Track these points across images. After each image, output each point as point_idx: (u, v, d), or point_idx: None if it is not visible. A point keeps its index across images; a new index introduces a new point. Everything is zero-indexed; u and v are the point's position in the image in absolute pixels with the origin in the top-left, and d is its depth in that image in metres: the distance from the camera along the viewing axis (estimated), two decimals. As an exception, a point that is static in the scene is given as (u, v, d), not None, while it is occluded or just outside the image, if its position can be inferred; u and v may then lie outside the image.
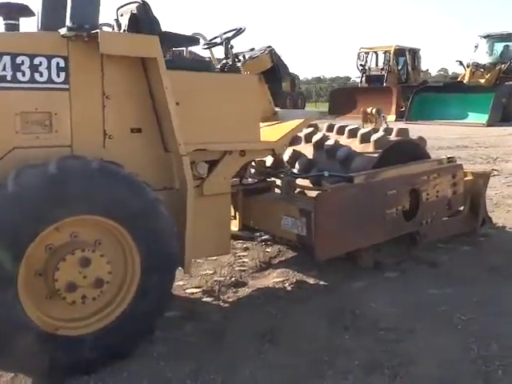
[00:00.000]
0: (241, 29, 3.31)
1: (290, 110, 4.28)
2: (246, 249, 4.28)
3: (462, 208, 4.20)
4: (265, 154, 3.31)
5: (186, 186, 2.77)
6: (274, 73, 3.45)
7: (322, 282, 3.58)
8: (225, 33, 3.31)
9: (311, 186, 3.44)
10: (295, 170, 3.75)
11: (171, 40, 2.94)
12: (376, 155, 3.47)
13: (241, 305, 3.26)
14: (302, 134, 3.96)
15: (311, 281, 3.61)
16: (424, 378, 2.44)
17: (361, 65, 20.62)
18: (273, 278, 3.67)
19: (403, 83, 20.22)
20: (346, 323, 2.96)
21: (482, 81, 18.07)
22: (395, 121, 17.93)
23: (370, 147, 3.53)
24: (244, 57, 3.41)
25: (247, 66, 3.40)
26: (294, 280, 3.62)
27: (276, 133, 3.34)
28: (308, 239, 3.13)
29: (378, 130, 3.82)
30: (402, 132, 3.70)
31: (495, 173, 7.61)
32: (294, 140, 3.96)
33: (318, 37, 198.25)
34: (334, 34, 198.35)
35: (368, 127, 4.49)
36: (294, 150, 3.87)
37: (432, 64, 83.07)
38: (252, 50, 3.55)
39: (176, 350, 2.72)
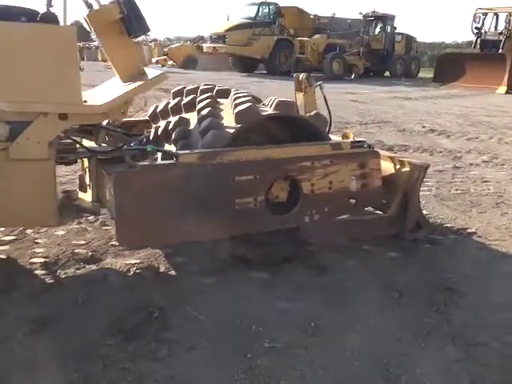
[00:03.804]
0: None
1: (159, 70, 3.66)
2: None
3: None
4: (95, 118, 2.87)
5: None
6: (127, 25, 2.93)
7: (172, 272, 3.12)
8: None
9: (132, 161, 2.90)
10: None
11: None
12: (231, 131, 2.85)
13: (58, 286, 2.92)
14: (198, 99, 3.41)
15: (163, 268, 3.16)
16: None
17: (476, 28, 18.07)
18: (133, 259, 3.28)
19: (529, 50, 17.41)
20: (120, 326, 2.50)
21: None
22: (506, 93, 15.67)
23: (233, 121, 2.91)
24: (91, 6, 2.95)
25: (92, 16, 2.93)
26: (148, 264, 3.19)
27: (114, 95, 2.88)
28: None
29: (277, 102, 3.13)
30: (284, 106, 2.98)
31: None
32: (191, 106, 3.44)
33: None
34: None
35: (299, 97, 3.78)
36: (180, 117, 3.35)
37: None
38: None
39: None
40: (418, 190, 3.34)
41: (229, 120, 3.01)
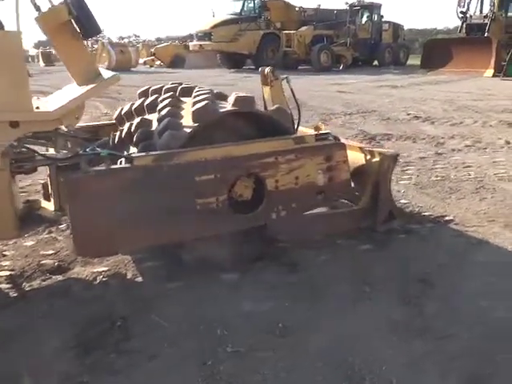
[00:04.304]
0: None
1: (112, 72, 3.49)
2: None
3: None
4: (47, 125, 2.78)
5: None
6: (77, 27, 2.85)
7: (139, 279, 3.04)
8: None
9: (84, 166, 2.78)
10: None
11: None
12: (188, 130, 2.76)
13: (21, 299, 2.83)
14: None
15: (130, 275, 3.08)
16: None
17: (461, 12, 17.93)
18: (101, 267, 3.20)
19: (514, 32, 17.31)
20: (81, 338, 2.42)
21: None
22: (493, 76, 15.59)
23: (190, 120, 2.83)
24: (40, 8, 2.85)
25: (41, 19, 2.84)
26: (116, 272, 3.12)
27: (66, 100, 2.79)
28: (73, 231, 2.61)
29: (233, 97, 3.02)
30: (243, 101, 2.89)
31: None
32: (154, 107, 3.35)
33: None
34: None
35: (266, 91, 3.70)
36: (142, 118, 3.26)
37: None
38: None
39: None
40: (388, 180, 3.26)
41: (188, 119, 2.93)
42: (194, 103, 2.91)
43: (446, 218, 3.78)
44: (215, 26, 21.84)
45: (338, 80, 16.21)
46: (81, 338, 2.43)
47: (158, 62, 26.99)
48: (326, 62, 20.90)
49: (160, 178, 2.62)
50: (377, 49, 23.30)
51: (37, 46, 42.67)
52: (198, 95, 3.05)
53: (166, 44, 29.04)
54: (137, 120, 3.26)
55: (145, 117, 3.29)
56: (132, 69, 24.17)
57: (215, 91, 3.43)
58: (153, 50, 27.36)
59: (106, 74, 2.97)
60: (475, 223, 3.67)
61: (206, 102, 2.85)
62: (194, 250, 2.96)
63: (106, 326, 2.52)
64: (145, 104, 3.44)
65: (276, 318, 2.53)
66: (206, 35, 21.93)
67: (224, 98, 3.33)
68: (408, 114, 8.76)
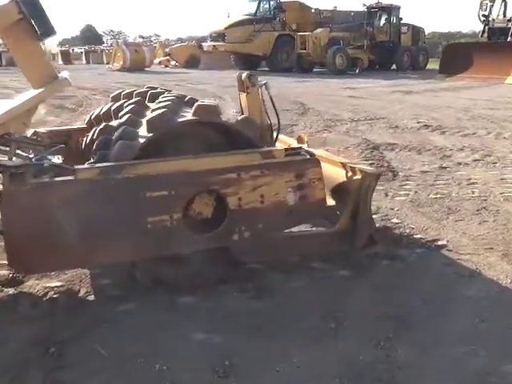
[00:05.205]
0: None
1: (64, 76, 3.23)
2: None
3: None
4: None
5: None
6: (30, 27, 2.61)
7: (91, 297, 2.80)
8: None
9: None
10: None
11: None
12: (142, 141, 2.51)
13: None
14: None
15: (83, 292, 2.84)
16: None
17: (483, 15, 17.37)
18: (55, 281, 2.97)
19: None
20: (9, 365, 2.17)
21: None
22: (513, 84, 15.05)
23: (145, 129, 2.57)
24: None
25: (-10, 17, 2.62)
26: (68, 288, 2.89)
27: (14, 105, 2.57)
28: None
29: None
30: (204, 110, 2.62)
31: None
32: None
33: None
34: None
35: (242, 99, 3.42)
36: (105, 125, 3.03)
37: None
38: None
39: None
40: (369, 200, 2.95)
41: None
42: (152, 111, 2.66)
43: (439, 243, 3.44)
44: (229, 27, 21.62)
45: (352, 84, 15.84)
46: (9, 365, 2.20)
47: (173, 63, 26.88)
48: (341, 65, 20.50)
49: (107, 193, 2.37)
50: (395, 52, 22.76)
51: (61, 43, 43.18)
52: (159, 102, 2.79)
53: (181, 44, 28.94)
54: (100, 126, 3.03)
55: (110, 123, 3.05)
56: (146, 68, 24.10)
57: (187, 97, 3.18)
58: (168, 50, 27.24)
59: (65, 76, 2.74)
60: (470, 250, 3.32)
61: (163, 110, 2.59)
62: (150, 270, 2.71)
63: (41, 350, 2.28)
64: (112, 109, 3.21)
65: (225, 354, 2.26)
66: (220, 36, 21.72)
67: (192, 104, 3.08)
68: (418, 123, 8.38)
